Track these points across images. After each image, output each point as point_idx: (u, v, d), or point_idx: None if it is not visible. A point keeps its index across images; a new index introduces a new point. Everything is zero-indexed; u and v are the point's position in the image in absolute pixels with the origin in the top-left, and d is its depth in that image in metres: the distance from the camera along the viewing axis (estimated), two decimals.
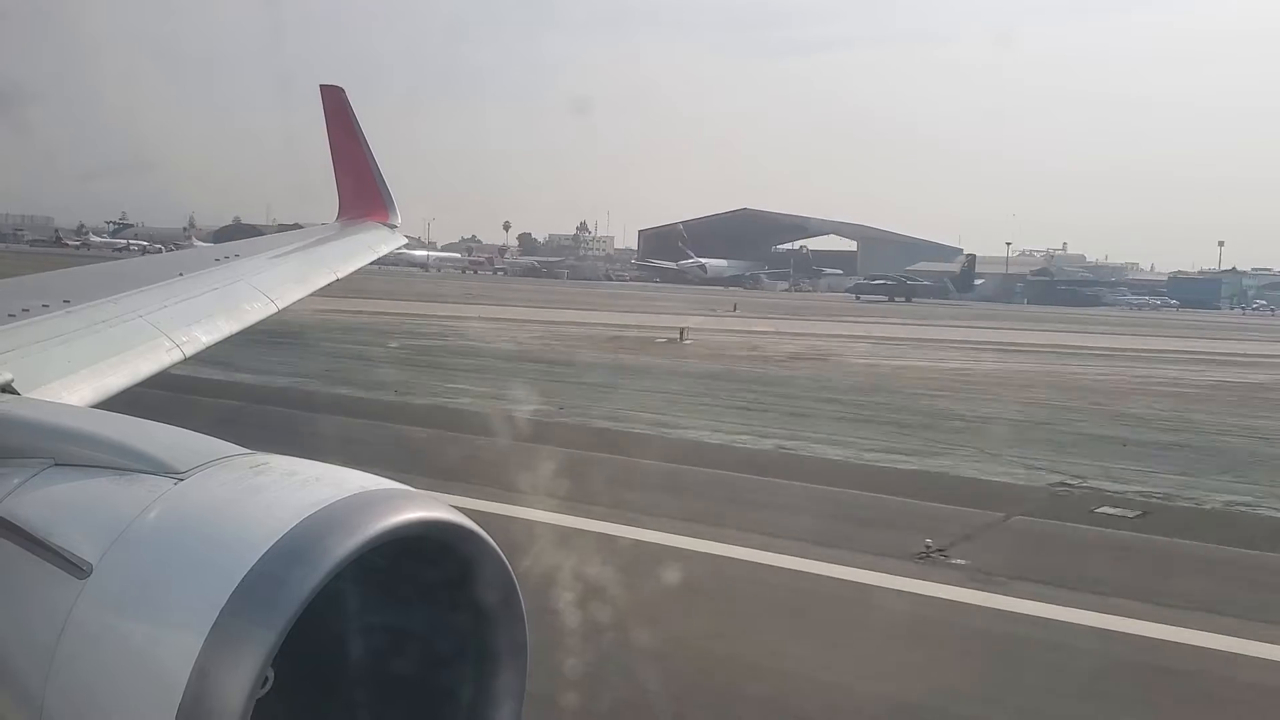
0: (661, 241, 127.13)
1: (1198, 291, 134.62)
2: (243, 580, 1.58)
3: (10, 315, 3.03)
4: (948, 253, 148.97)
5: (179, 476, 1.82)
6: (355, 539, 1.64)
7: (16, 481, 1.93)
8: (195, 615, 1.57)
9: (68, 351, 3.00)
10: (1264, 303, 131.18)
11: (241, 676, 1.53)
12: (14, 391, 2.49)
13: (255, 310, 4.33)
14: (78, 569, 1.70)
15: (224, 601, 1.56)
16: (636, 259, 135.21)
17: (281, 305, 4.57)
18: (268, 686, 1.69)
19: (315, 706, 1.93)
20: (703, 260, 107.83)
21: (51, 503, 1.87)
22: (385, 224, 7.43)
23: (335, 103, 7.83)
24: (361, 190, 7.56)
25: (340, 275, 5.79)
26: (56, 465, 1.96)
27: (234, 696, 1.52)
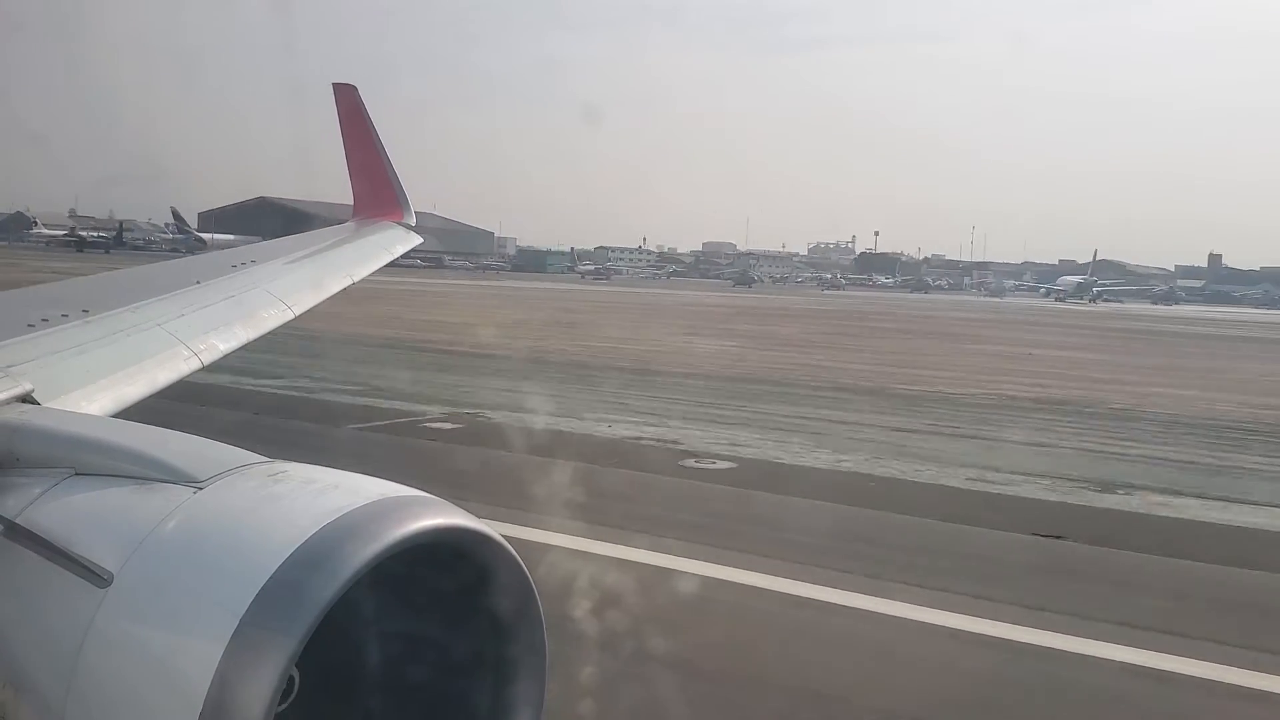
0: (226, 220, 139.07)
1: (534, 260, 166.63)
2: (262, 589, 1.58)
3: (30, 325, 3.05)
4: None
5: (198, 485, 1.83)
6: (374, 546, 1.64)
7: (37, 491, 1.95)
8: (215, 624, 1.57)
9: (87, 361, 3.01)
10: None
11: (262, 684, 1.53)
12: (34, 401, 2.50)
13: (272, 317, 4.34)
14: (99, 578, 1.71)
15: (244, 610, 1.57)
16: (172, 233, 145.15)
17: (298, 311, 4.58)
18: (294, 695, 1.70)
19: (334, 713, 1.93)
20: (204, 235, 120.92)
21: (72, 512, 1.88)
22: (400, 223, 7.42)
23: (348, 101, 7.78)
24: (376, 189, 7.55)
25: (356, 279, 5.80)
26: (77, 475, 1.98)
27: (255, 705, 1.53)
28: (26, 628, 1.79)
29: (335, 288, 5.39)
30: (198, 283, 4.18)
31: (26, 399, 2.49)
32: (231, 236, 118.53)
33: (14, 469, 2.05)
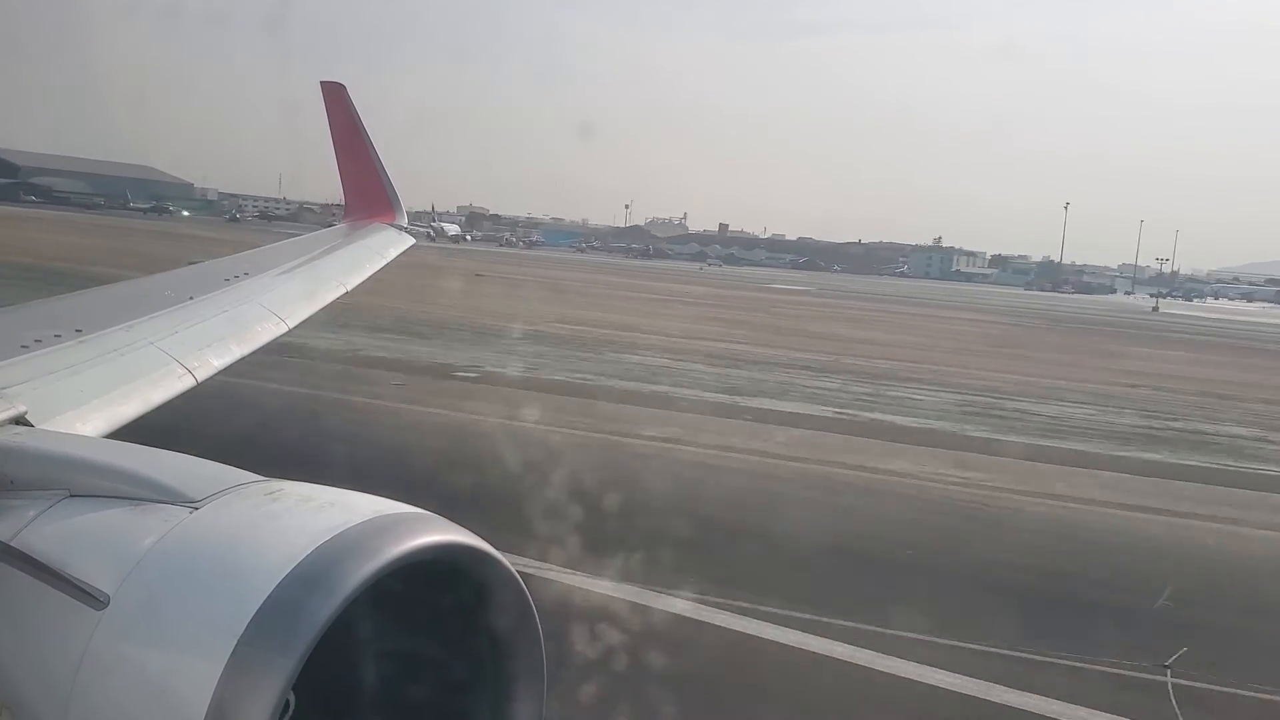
0: None
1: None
2: (260, 608, 1.57)
3: (23, 346, 3.03)
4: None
5: (194, 505, 1.82)
6: (371, 564, 1.63)
7: (32, 514, 1.94)
8: (213, 644, 1.57)
9: (80, 382, 3.00)
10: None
11: (260, 705, 1.52)
12: (27, 423, 2.49)
13: (266, 331, 4.34)
14: (95, 600, 1.70)
15: (241, 630, 1.56)
16: None
17: (292, 324, 4.59)
18: (290, 712, 1.69)
19: None
20: None
21: (67, 534, 1.87)
22: (392, 224, 7.38)
23: (337, 100, 7.64)
24: (367, 190, 7.47)
25: (349, 287, 5.80)
26: (72, 496, 1.97)
27: None
28: (22, 651, 1.78)
29: (329, 297, 5.39)
30: (191, 299, 4.17)
31: (20, 421, 2.47)
32: None
33: (8, 491, 2.04)
